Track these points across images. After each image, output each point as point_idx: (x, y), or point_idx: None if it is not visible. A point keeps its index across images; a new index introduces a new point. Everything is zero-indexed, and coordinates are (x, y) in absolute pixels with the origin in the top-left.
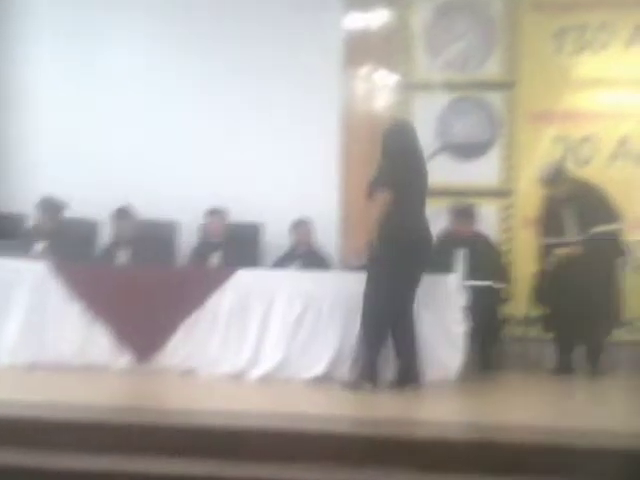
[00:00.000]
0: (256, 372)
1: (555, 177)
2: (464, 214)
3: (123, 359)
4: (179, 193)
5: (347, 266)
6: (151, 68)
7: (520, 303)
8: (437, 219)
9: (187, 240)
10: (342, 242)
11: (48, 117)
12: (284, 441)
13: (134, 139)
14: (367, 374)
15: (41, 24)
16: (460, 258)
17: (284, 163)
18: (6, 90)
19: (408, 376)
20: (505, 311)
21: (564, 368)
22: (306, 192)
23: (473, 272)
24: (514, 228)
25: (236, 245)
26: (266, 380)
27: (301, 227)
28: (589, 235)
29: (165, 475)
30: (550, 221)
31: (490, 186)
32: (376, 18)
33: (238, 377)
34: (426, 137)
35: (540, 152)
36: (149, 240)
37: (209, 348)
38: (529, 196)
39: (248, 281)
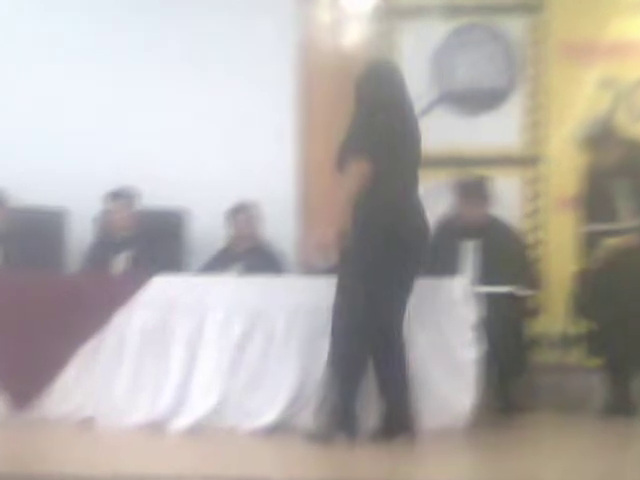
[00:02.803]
0: (181, 422)
1: (602, 137)
2: (473, 192)
3: None
4: (69, 171)
5: (308, 268)
6: (34, 12)
7: (555, 316)
8: (436, 199)
9: (81, 235)
10: (301, 234)
11: None
12: None
13: (7, 101)
14: (340, 420)
15: None
16: (469, 254)
17: (218, 126)
18: None
19: (398, 422)
20: (534, 328)
21: (618, 406)
22: (249, 165)
23: (487, 274)
24: (544, 210)
25: (151, 241)
26: (195, 432)
27: (242, 214)
28: None
29: None
30: (596, 200)
31: (509, 151)
32: None
33: (156, 429)
34: (418, 83)
35: (580, 102)
36: (27, 236)
37: (114, 389)
38: (564, 165)
39: (168, 292)
